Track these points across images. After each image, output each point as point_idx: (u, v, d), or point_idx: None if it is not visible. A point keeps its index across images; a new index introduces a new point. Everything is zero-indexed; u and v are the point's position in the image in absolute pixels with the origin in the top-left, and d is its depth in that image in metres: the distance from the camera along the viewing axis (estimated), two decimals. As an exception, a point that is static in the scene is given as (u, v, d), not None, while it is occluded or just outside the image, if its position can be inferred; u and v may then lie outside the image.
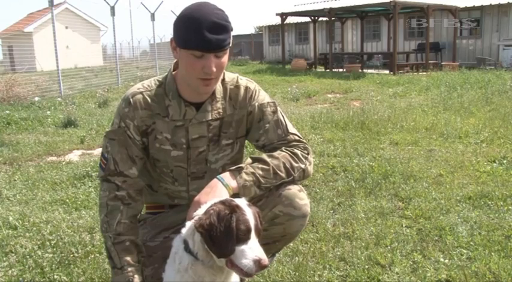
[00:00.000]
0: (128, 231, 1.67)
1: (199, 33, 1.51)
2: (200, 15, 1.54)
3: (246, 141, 1.90)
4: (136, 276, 1.62)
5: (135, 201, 1.72)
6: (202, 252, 1.39)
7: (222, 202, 1.40)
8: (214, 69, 1.57)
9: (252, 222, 1.36)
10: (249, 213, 1.37)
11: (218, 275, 1.42)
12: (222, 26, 1.54)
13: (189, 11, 1.57)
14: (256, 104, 1.80)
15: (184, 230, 1.44)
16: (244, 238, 1.33)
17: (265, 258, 1.32)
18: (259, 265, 1.31)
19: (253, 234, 1.35)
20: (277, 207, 1.69)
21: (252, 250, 1.32)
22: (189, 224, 1.45)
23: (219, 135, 1.79)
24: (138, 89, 1.75)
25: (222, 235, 1.32)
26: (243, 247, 1.33)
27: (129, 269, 1.62)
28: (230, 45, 1.61)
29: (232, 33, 1.62)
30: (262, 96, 1.83)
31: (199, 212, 1.42)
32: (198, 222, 1.35)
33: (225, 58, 1.62)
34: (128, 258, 1.63)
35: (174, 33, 1.61)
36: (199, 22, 1.52)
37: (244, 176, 1.61)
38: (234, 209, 1.36)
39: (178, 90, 1.72)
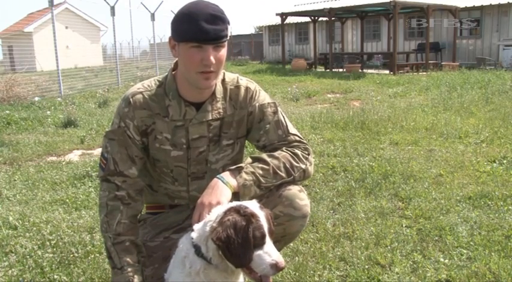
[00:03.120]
0: (128, 232, 1.67)
1: (196, 24, 1.54)
2: (196, 9, 1.57)
3: (246, 141, 1.90)
4: (136, 276, 1.62)
5: (135, 201, 1.71)
6: (217, 258, 1.39)
7: (237, 210, 1.38)
8: (213, 60, 1.58)
9: (266, 227, 1.37)
10: (263, 218, 1.38)
11: (229, 277, 1.43)
12: (218, 17, 1.57)
13: (185, 8, 1.61)
14: (257, 104, 1.80)
15: (194, 235, 1.42)
16: (260, 244, 1.35)
17: (281, 261, 1.34)
18: (276, 268, 1.33)
19: (267, 238, 1.36)
20: (277, 208, 1.69)
21: (268, 254, 1.34)
22: (197, 227, 1.44)
23: (220, 135, 1.79)
24: (138, 88, 1.75)
25: (240, 247, 1.32)
26: (260, 252, 1.34)
27: (129, 269, 1.62)
28: (227, 38, 1.62)
29: (232, 32, 1.64)
30: (263, 97, 1.83)
31: (211, 217, 1.40)
32: (215, 235, 1.34)
33: (224, 52, 1.63)
34: (128, 259, 1.63)
35: (172, 30, 1.62)
36: (197, 15, 1.55)
37: (244, 175, 1.61)
38: (250, 218, 1.36)
39: (178, 90, 1.72)
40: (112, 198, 1.68)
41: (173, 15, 1.66)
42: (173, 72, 1.76)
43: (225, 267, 1.40)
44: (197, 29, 1.54)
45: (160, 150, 1.76)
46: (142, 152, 1.75)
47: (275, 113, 1.81)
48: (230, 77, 1.82)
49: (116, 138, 1.71)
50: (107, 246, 1.67)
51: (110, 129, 1.74)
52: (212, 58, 1.57)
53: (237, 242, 1.32)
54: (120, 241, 1.64)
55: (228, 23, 1.61)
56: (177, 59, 1.70)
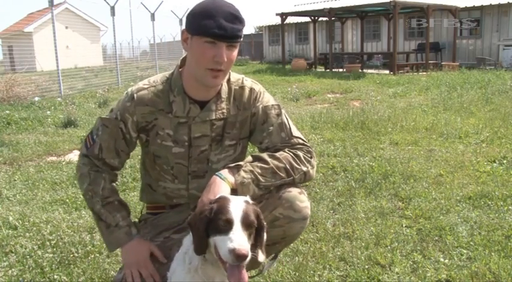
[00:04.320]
0: (114, 194, 1.76)
1: (215, 20, 1.55)
2: (216, 6, 1.59)
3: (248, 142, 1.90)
4: (132, 228, 1.71)
5: (114, 176, 1.82)
6: (209, 255, 1.39)
7: (217, 199, 1.42)
8: (225, 58, 1.59)
9: (235, 213, 1.33)
10: (235, 205, 1.35)
11: None
12: (237, 17, 1.59)
13: (205, 4, 1.62)
14: (261, 106, 1.80)
15: None
16: (225, 229, 1.31)
17: (241, 248, 1.26)
18: (234, 254, 1.27)
19: (237, 225, 1.31)
20: (277, 210, 1.68)
21: (230, 240, 1.29)
22: None
23: (222, 135, 1.79)
24: (144, 84, 1.76)
25: (197, 233, 1.36)
26: (223, 237, 1.31)
27: (125, 223, 1.70)
28: (242, 39, 1.64)
29: (244, 30, 1.65)
30: (267, 99, 1.83)
31: None
32: (187, 220, 1.42)
33: (235, 52, 1.65)
34: (121, 214, 1.72)
35: (188, 23, 1.63)
36: (216, 11, 1.57)
37: (242, 173, 1.61)
38: (213, 206, 1.37)
39: (183, 86, 1.73)
40: (94, 170, 1.76)
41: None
42: (180, 69, 1.76)
43: (220, 264, 1.39)
44: (215, 25, 1.55)
45: (162, 146, 1.77)
46: (130, 147, 1.80)
47: (279, 115, 1.80)
48: (235, 77, 1.83)
49: (109, 127, 1.75)
50: (96, 211, 1.73)
51: (107, 116, 1.76)
52: (225, 56, 1.59)
53: (196, 228, 1.36)
54: (110, 201, 1.73)
55: (244, 24, 1.63)
56: (184, 55, 1.70)
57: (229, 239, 1.29)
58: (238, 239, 1.29)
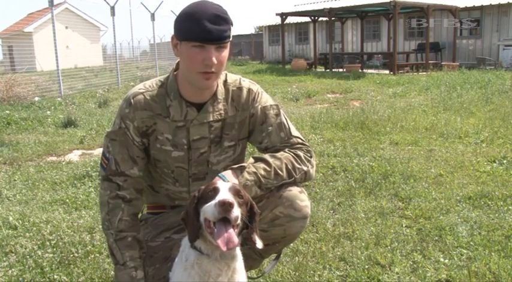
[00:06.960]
0: (130, 228, 1.69)
1: (200, 23, 1.54)
2: (200, 9, 1.57)
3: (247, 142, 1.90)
4: (138, 271, 1.65)
5: (136, 200, 1.74)
6: (205, 246, 1.40)
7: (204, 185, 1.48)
8: (215, 61, 1.58)
9: (222, 185, 1.38)
10: (222, 182, 1.43)
11: (224, 270, 1.42)
12: (222, 18, 1.57)
13: (189, 8, 1.61)
14: (259, 106, 1.80)
15: None
16: (212, 196, 1.35)
17: (224, 198, 1.29)
18: (219, 205, 1.28)
19: (223, 190, 1.35)
20: (277, 209, 1.69)
21: (215, 200, 1.32)
22: None
23: (221, 136, 1.79)
24: (140, 89, 1.75)
25: (190, 219, 1.39)
26: (210, 203, 1.33)
27: (132, 264, 1.65)
28: (230, 39, 1.62)
29: (232, 30, 1.63)
30: (265, 99, 1.83)
31: None
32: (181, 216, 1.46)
33: (226, 53, 1.63)
34: (130, 254, 1.66)
35: (175, 29, 1.62)
36: (200, 14, 1.55)
37: (246, 175, 1.61)
38: (199, 190, 1.43)
39: (179, 90, 1.72)
40: (113, 197, 1.70)
41: (173, 15, 1.68)
42: (175, 73, 1.76)
43: (216, 256, 1.40)
44: (200, 29, 1.54)
45: (161, 150, 1.76)
46: (143, 152, 1.76)
47: (277, 115, 1.81)
48: (232, 78, 1.82)
49: (117, 139, 1.72)
50: (109, 243, 1.69)
51: (111, 130, 1.74)
52: (214, 59, 1.57)
53: (187, 215, 1.40)
54: (123, 237, 1.67)
55: (232, 24, 1.61)
56: (179, 59, 1.70)
57: (214, 200, 1.32)
58: (221, 195, 1.32)
